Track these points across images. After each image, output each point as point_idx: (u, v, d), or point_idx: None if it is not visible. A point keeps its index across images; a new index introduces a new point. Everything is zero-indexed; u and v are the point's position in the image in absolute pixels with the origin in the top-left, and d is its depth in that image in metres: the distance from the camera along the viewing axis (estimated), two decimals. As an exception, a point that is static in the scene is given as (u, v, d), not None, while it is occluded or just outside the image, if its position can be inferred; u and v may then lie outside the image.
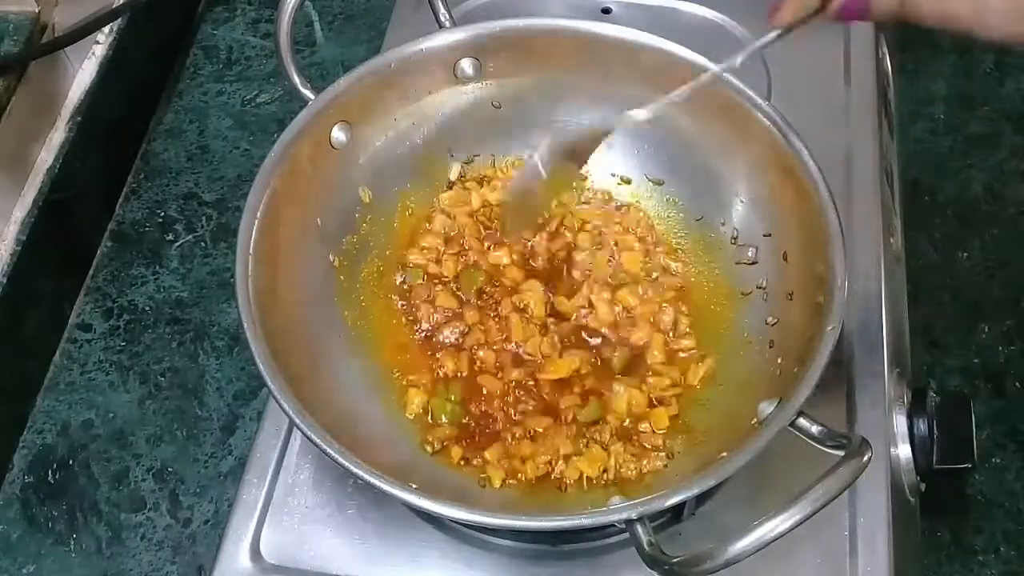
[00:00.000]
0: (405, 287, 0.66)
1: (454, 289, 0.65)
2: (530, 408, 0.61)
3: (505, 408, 0.61)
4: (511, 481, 0.59)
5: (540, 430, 0.60)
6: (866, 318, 0.65)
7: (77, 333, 0.77)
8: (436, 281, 0.66)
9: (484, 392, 0.62)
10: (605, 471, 0.58)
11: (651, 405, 0.61)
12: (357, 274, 0.65)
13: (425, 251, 0.67)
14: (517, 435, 0.60)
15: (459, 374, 0.62)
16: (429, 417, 0.61)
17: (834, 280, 0.54)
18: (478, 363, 0.63)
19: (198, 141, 0.86)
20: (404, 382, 0.62)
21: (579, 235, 0.67)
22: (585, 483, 0.58)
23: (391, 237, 0.67)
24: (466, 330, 0.64)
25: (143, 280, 0.79)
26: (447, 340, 0.64)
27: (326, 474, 0.62)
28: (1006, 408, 0.71)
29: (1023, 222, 0.81)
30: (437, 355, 0.63)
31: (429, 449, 0.60)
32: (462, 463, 0.59)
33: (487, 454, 0.59)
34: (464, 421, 0.61)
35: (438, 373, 0.63)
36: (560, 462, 0.59)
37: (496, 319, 0.64)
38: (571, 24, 0.65)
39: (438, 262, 0.66)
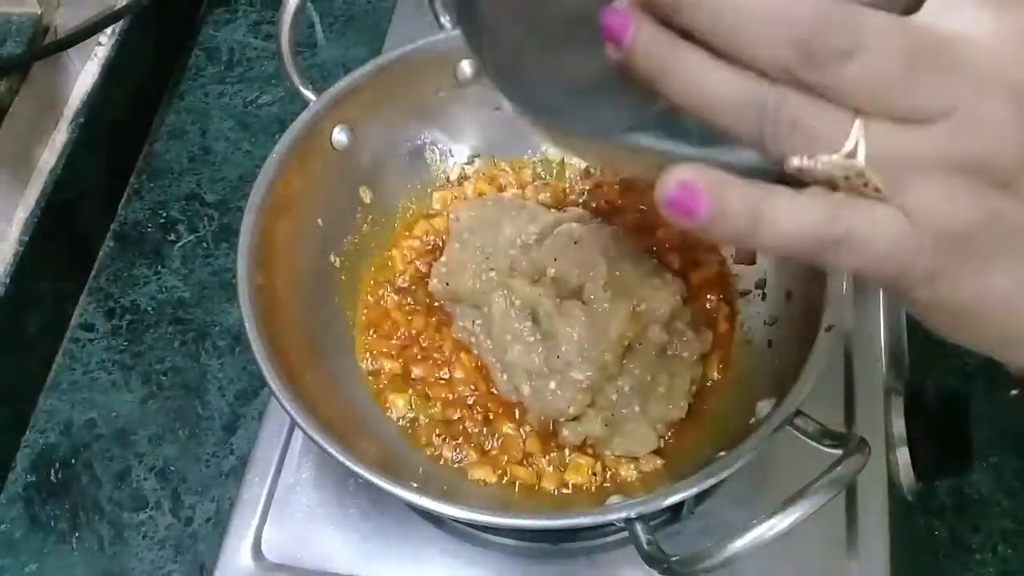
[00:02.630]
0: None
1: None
2: (499, 412, 0.61)
3: (470, 409, 0.61)
4: (510, 480, 0.59)
5: (505, 432, 0.60)
6: (864, 317, 0.65)
7: (79, 333, 0.77)
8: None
9: (448, 396, 0.61)
10: (594, 474, 0.58)
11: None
12: (358, 274, 0.66)
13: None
14: (486, 436, 0.60)
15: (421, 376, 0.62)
16: (416, 417, 0.61)
17: (832, 279, 0.55)
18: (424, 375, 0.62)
19: (200, 142, 0.86)
20: (381, 384, 0.62)
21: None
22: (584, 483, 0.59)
23: (391, 237, 0.68)
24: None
25: (145, 280, 0.79)
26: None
27: (327, 473, 0.62)
28: (1004, 407, 0.71)
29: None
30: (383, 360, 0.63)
31: (428, 451, 0.60)
32: (452, 463, 0.59)
33: (471, 453, 0.59)
34: (443, 420, 0.61)
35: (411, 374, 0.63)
36: (541, 459, 0.59)
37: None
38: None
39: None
